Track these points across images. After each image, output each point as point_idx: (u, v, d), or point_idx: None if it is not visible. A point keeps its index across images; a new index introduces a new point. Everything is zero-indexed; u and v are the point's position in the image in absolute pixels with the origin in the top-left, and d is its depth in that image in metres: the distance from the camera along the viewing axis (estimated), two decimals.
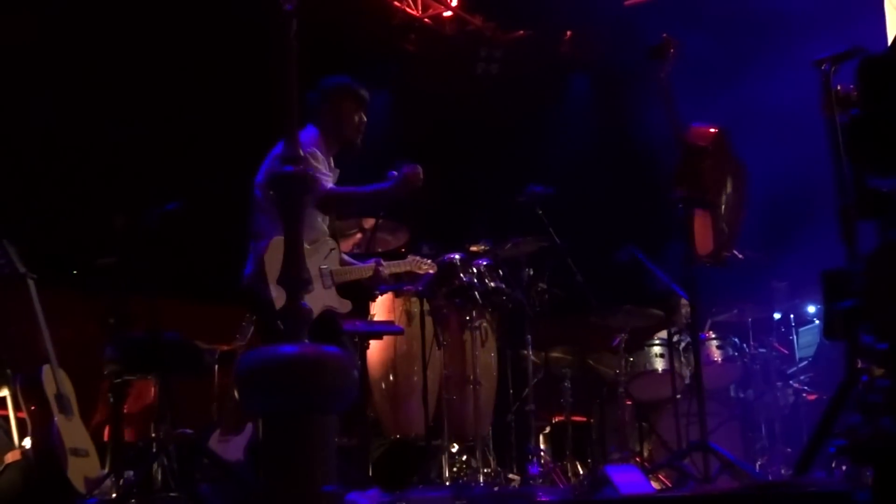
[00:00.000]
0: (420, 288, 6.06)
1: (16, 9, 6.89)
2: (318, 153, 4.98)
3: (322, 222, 5.08)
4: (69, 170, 7.39)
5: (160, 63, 7.63)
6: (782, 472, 6.19)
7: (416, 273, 5.71)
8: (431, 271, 5.78)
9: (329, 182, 4.99)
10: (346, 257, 5.33)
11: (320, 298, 4.84)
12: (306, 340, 3.27)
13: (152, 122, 7.55)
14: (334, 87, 5.17)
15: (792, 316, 7.15)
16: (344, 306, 5.04)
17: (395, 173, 5.47)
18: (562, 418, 7.20)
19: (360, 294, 5.74)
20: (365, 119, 5.19)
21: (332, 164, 5.13)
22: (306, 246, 4.39)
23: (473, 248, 6.59)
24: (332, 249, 5.06)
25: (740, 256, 5.54)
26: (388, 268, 5.36)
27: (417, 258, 5.71)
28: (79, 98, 7.28)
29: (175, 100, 7.66)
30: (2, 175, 6.91)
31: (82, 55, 7.30)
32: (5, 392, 5.21)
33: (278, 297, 4.70)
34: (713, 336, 7.10)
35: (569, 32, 9.56)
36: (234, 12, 7.52)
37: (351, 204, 5.29)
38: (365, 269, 5.23)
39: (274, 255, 4.55)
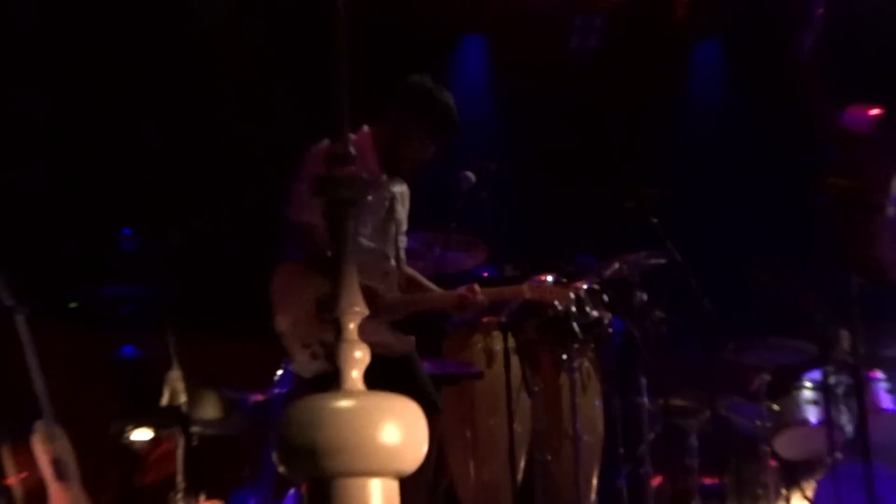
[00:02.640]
0: (504, 319, 6.05)
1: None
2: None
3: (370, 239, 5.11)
4: (68, 181, 7.51)
5: (177, 56, 7.76)
6: None
7: (542, 302, 5.66)
8: (564, 301, 5.71)
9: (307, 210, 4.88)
10: (419, 277, 5.33)
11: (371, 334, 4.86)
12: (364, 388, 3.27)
13: (174, 120, 7.67)
14: (411, 94, 5.14)
15: None
16: (401, 344, 5.04)
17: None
18: (687, 483, 7.13)
19: (428, 328, 5.74)
20: (431, 151, 5.14)
21: (384, 178, 5.14)
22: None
23: (570, 269, 6.57)
24: (386, 273, 5.08)
25: None
26: (489, 295, 5.33)
27: (544, 281, 5.64)
28: (80, 91, 7.42)
29: (202, 95, 7.78)
30: None
31: (80, 47, 7.45)
32: None
33: (287, 331, 4.78)
34: (883, 377, 6.98)
35: None
36: None
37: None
38: (447, 297, 5.22)
39: (280, 283, 4.72)
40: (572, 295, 5.75)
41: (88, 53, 7.53)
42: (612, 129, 9.36)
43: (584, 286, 6.39)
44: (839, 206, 4.97)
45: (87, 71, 7.55)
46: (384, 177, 5.19)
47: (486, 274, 6.40)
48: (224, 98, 7.94)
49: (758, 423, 6.99)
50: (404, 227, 5.41)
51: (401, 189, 5.32)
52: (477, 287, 5.28)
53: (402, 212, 5.34)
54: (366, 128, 5.18)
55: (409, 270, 5.41)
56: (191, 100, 7.85)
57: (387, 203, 5.21)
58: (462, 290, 5.28)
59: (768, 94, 8.01)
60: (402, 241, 5.41)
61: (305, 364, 4.86)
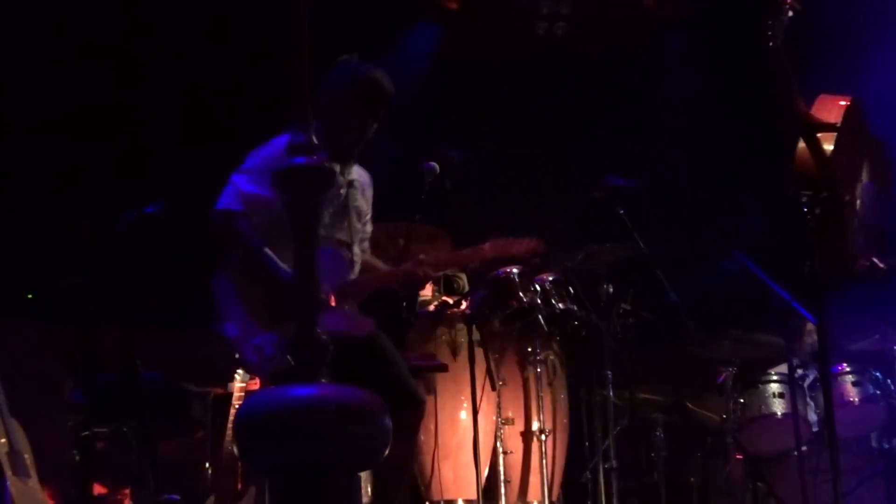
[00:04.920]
0: (468, 311, 6.07)
1: None
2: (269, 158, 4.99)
3: (332, 230, 5.12)
4: (18, 166, 7.48)
5: (133, 32, 7.73)
6: None
7: (507, 256, 5.61)
8: (531, 250, 5.67)
9: (239, 200, 4.97)
10: (375, 262, 5.35)
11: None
12: (324, 379, 3.29)
13: (128, 103, 7.64)
14: (337, 77, 5.15)
15: None
16: (363, 326, 5.07)
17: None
18: (653, 478, 7.17)
19: (392, 319, 5.76)
20: (371, 125, 5.15)
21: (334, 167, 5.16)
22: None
23: (535, 260, 6.59)
24: (343, 262, 5.10)
25: (882, 266, 5.49)
26: (450, 260, 5.33)
27: (503, 239, 5.60)
28: (33, 75, 7.39)
29: (156, 74, 7.75)
30: None
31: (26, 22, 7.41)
32: None
33: (238, 336, 4.84)
34: (848, 370, 7.03)
35: None
36: None
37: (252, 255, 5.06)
38: (392, 273, 5.23)
39: (223, 290, 4.88)
40: (536, 247, 5.69)
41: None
42: (580, 117, 9.39)
43: (550, 278, 6.43)
44: (808, 196, 5.01)
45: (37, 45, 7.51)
46: (335, 165, 5.19)
47: None
48: (173, 78, 7.89)
49: (724, 416, 7.03)
50: (367, 214, 5.41)
51: (357, 176, 5.31)
52: (423, 257, 5.27)
53: (361, 199, 5.33)
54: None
55: (369, 257, 5.41)
56: (149, 86, 7.82)
57: (342, 191, 5.21)
58: (408, 265, 5.27)
59: (736, 81, 8.06)
60: (366, 229, 5.40)
61: (260, 366, 4.89)
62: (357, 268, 5.21)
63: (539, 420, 6.24)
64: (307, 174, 3.30)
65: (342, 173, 5.20)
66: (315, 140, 4.48)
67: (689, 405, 7.61)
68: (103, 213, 5.50)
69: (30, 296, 6.51)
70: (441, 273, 5.56)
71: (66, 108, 7.55)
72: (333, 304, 4.99)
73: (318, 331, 3.33)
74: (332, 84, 5.13)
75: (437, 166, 5.67)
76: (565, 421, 6.60)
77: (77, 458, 5.81)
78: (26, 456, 5.31)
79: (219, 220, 5.02)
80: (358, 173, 5.32)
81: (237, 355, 5.13)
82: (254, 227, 4.92)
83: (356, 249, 5.23)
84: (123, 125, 7.71)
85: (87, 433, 5.74)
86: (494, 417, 6.30)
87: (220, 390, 6.48)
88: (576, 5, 9.52)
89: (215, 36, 7.94)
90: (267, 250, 4.87)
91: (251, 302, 4.89)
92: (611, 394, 6.70)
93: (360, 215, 5.33)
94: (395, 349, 5.19)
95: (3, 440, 5.21)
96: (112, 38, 7.72)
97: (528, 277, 6.34)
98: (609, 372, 6.64)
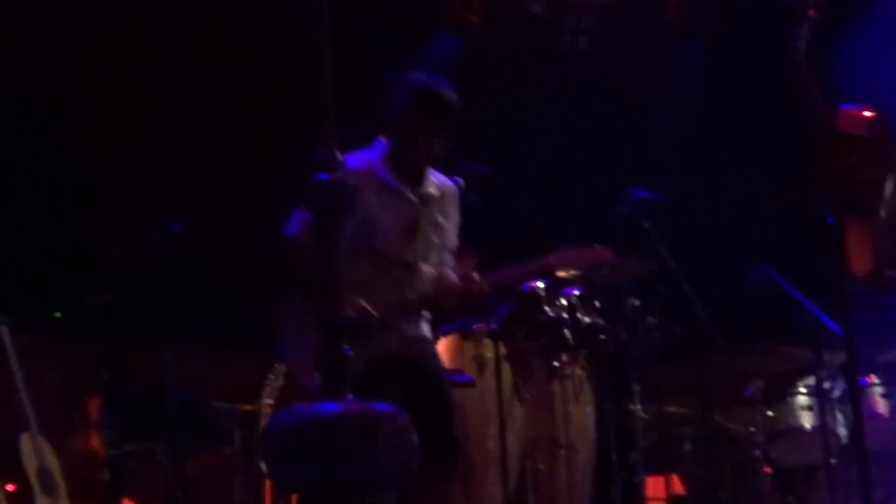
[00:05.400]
0: (494, 326, 6.07)
1: None
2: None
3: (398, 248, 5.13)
4: (50, 186, 7.53)
5: (158, 52, 7.78)
6: None
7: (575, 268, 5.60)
8: (607, 256, 5.65)
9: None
10: (446, 275, 5.33)
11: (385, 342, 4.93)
12: (350, 395, 3.29)
13: (154, 124, 7.68)
14: (408, 93, 5.12)
15: None
16: (412, 347, 5.09)
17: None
18: (681, 491, 7.15)
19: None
20: (440, 141, 5.12)
21: (405, 188, 5.15)
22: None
23: (561, 274, 6.58)
24: (402, 280, 5.11)
25: None
26: (498, 279, 5.31)
27: (572, 248, 5.56)
28: (63, 94, 7.44)
29: (182, 94, 7.79)
30: None
31: (56, 40, 7.46)
32: None
33: (297, 361, 4.83)
34: (877, 382, 7.01)
35: None
36: None
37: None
38: (448, 291, 5.20)
39: (285, 316, 4.87)
40: (608, 255, 5.66)
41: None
42: (603, 130, 9.38)
43: (576, 292, 6.42)
44: (833, 208, 4.99)
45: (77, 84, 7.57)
46: (406, 183, 5.18)
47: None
48: (214, 105, 7.95)
49: (752, 429, 7.01)
50: (449, 226, 5.39)
51: (435, 190, 5.29)
52: (475, 275, 5.26)
53: (440, 214, 5.31)
54: (381, 138, 5.20)
55: (444, 271, 5.36)
56: (176, 106, 7.87)
57: (414, 209, 5.19)
58: (463, 282, 5.25)
59: (759, 93, 8.04)
60: (447, 241, 5.37)
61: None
62: (420, 286, 5.19)
63: (566, 434, 6.22)
64: (329, 190, 3.32)
65: (413, 191, 5.19)
66: (384, 158, 4.46)
67: (717, 418, 7.58)
68: (131, 232, 5.53)
69: (59, 314, 6.54)
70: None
71: (95, 127, 7.60)
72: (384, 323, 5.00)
73: (344, 347, 3.35)
74: (401, 101, 5.12)
75: (462, 182, 5.68)
76: (592, 435, 6.58)
77: (107, 475, 5.83)
78: (56, 474, 5.34)
79: (285, 247, 5.02)
80: (437, 186, 5.31)
81: (296, 380, 5.09)
82: None
83: (423, 268, 5.22)
84: (151, 143, 7.76)
85: (116, 451, 5.77)
86: (521, 432, 6.29)
87: (248, 407, 6.50)
88: (597, 18, 9.53)
89: (242, 52, 7.98)
90: None
91: (312, 330, 4.85)
92: (638, 407, 6.68)
93: (438, 230, 5.32)
94: (451, 390, 5.20)
95: (32, 458, 5.24)
96: (141, 57, 7.78)
97: (553, 292, 6.33)
98: (636, 386, 6.62)
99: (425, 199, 5.22)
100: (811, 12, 5.09)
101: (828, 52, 5.16)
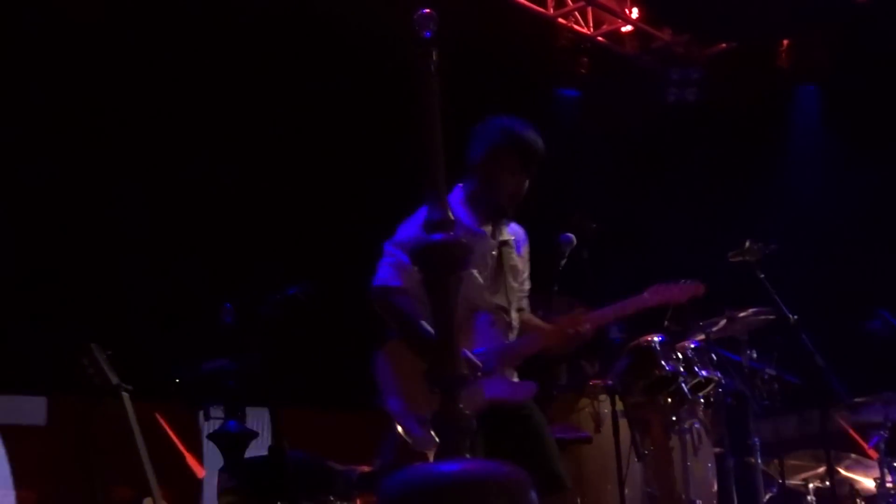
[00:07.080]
0: (610, 381, 6.04)
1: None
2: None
3: (488, 294, 5.13)
4: (166, 256, 7.66)
5: (278, 113, 7.93)
6: None
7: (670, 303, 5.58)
8: (698, 292, 5.62)
9: (398, 274, 4.97)
10: (534, 320, 5.32)
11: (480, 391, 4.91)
12: (468, 455, 3.28)
13: (271, 187, 7.80)
14: (491, 134, 5.18)
15: None
16: (520, 391, 5.07)
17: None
18: None
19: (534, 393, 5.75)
20: (524, 182, 5.16)
21: (487, 231, 5.17)
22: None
23: (677, 328, 6.54)
24: (492, 325, 5.10)
25: None
26: (599, 318, 5.26)
27: (664, 285, 5.55)
28: (180, 157, 7.60)
29: (300, 157, 7.92)
30: (87, 267, 7.21)
31: (174, 98, 7.63)
32: None
33: (401, 410, 4.83)
34: None
35: (785, 41, 9.47)
36: (358, 53, 7.78)
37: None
38: (551, 333, 5.17)
39: (386, 363, 4.86)
40: (699, 290, 5.63)
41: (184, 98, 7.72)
42: (715, 181, 9.33)
43: (692, 345, 6.37)
44: None
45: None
46: (487, 227, 5.20)
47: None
48: (318, 166, 8.07)
49: (879, 482, 6.88)
50: (524, 272, 5.38)
51: (511, 235, 5.31)
52: (579, 316, 5.24)
53: (517, 257, 5.33)
54: (459, 184, 5.23)
55: (527, 316, 5.39)
56: (284, 170, 7.99)
57: (494, 253, 5.22)
58: (565, 320, 5.21)
59: (870, 139, 7.95)
60: (524, 287, 5.38)
61: (426, 439, 4.84)
62: (515, 332, 5.20)
63: (686, 490, 6.15)
64: (444, 250, 3.32)
65: (494, 234, 5.22)
66: (464, 205, 4.47)
67: (841, 471, 7.44)
68: (248, 296, 5.60)
69: (178, 380, 6.63)
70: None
71: (207, 195, 7.74)
72: (487, 371, 4.99)
73: (462, 405, 3.34)
74: (484, 142, 5.15)
75: (573, 238, 5.67)
76: (713, 490, 6.50)
77: None
78: None
79: (377, 295, 5.05)
80: (512, 231, 5.33)
81: (400, 430, 5.12)
82: (413, 298, 4.88)
83: (513, 313, 5.23)
84: (264, 208, 7.88)
85: None
86: (641, 488, 6.23)
87: (366, 468, 6.51)
88: (706, 69, 9.50)
89: (353, 112, 8.09)
90: (424, 324, 4.76)
91: (412, 377, 4.85)
92: (759, 461, 6.59)
93: (515, 275, 5.32)
94: (547, 427, 5.18)
95: None
96: (260, 128, 7.93)
97: (669, 345, 6.29)
98: (756, 438, 6.54)
99: (505, 243, 5.24)
100: None
101: None
